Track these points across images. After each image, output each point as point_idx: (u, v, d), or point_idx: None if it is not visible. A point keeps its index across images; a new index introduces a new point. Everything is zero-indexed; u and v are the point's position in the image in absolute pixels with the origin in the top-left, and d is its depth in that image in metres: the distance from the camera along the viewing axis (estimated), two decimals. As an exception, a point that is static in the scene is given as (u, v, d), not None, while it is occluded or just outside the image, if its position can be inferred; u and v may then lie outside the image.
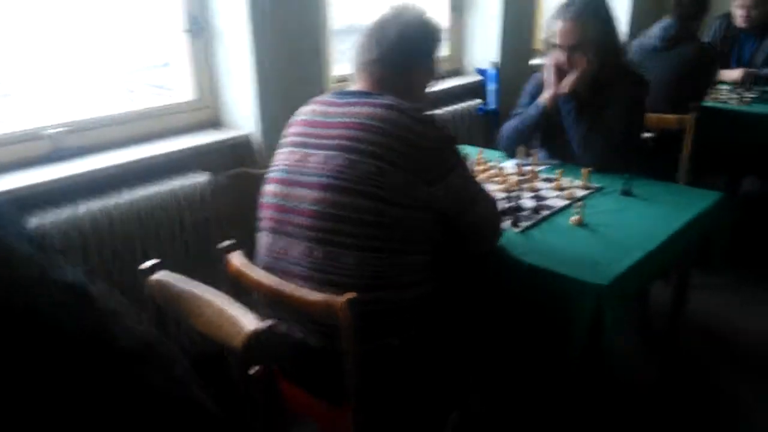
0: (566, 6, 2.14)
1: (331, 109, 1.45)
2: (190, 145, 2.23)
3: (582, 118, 2.17)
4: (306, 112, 1.50)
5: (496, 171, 2.12)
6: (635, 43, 3.10)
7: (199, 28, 2.28)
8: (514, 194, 1.91)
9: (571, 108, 2.17)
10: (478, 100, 3.28)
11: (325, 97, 1.49)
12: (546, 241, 1.66)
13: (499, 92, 3.25)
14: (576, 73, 2.16)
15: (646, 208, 1.86)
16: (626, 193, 1.95)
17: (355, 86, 1.50)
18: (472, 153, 2.27)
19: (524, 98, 2.40)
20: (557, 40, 2.16)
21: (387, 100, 1.41)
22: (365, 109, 1.40)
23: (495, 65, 3.25)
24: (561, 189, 1.97)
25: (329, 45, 2.62)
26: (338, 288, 1.35)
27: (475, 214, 1.47)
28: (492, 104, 3.27)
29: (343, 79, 2.80)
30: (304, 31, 2.41)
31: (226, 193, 2.27)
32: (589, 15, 2.10)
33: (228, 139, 2.32)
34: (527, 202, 1.87)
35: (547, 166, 2.24)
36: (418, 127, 1.37)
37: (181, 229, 2.13)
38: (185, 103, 2.36)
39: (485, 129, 3.23)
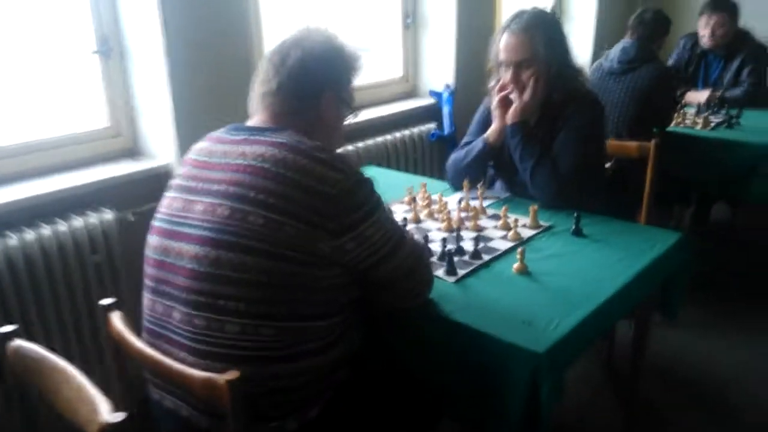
0: (513, 18, 1.97)
1: (219, 148, 1.23)
2: (101, 178, 2.00)
3: (531, 149, 1.98)
4: (196, 150, 1.29)
5: (438, 206, 1.92)
6: (594, 66, 2.94)
7: (109, 49, 2.05)
8: (454, 235, 1.70)
9: (519, 140, 1.99)
10: (432, 125, 3.10)
11: (218, 132, 1.28)
12: (483, 294, 1.46)
13: (453, 116, 3.07)
14: (522, 99, 1.97)
15: (598, 251, 1.66)
16: (577, 233, 1.76)
17: (252, 120, 1.29)
18: (415, 185, 2.08)
19: (474, 126, 2.21)
20: (502, 55, 1.97)
21: (283, 137, 1.20)
22: (256, 149, 1.19)
23: (449, 87, 3.06)
24: (507, 228, 1.77)
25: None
26: (223, 362, 1.13)
27: (396, 266, 1.27)
28: (447, 129, 3.09)
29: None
30: (229, 53, 2.20)
31: (137, 233, 2.03)
32: (538, 28, 1.92)
33: (144, 171, 2.09)
34: (468, 244, 1.67)
35: (496, 200, 2.05)
36: (317, 169, 1.16)
37: (82, 274, 1.89)
38: (98, 130, 2.13)
39: (439, 156, 3.04)
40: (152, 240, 1.23)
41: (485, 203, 2.02)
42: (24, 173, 1.95)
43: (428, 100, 3.17)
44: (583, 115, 1.98)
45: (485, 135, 2.08)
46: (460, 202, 1.89)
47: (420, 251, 1.35)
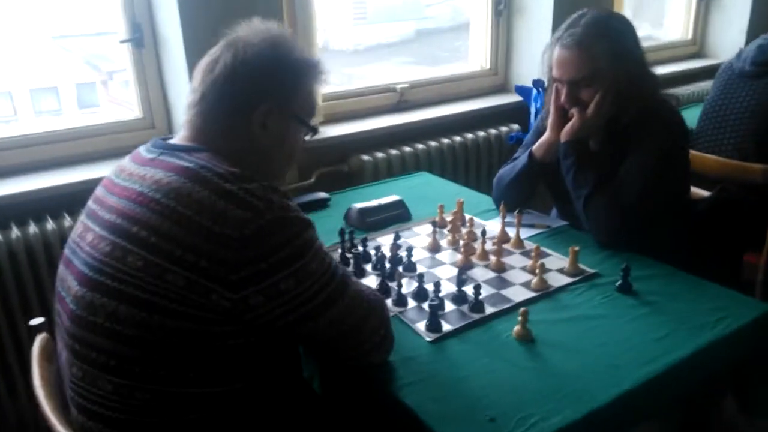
0: (566, 28, 1.58)
1: (129, 167, 1.05)
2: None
3: (586, 174, 1.59)
4: (115, 167, 1.11)
5: (466, 233, 1.60)
6: (722, 66, 2.38)
7: (141, 38, 1.97)
8: (464, 275, 1.39)
9: (572, 163, 1.60)
10: (516, 126, 2.72)
11: (141, 147, 1.10)
12: (458, 365, 1.15)
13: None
14: (584, 116, 1.59)
15: (642, 318, 1.27)
16: (623, 288, 1.37)
17: (177, 136, 1.09)
18: (468, 200, 1.80)
19: (531, 135, 1.85)
20: (555, 72, 1.60)
21: (194, 160, 0.99)
22: (156, 173, 0.99)
23: (538, 83, 2.66)
24: (534, 272, 1.43)
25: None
26: (97, 422, 0.96)
27: (329, 324, 1.01)
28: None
29: (331, 98, 2.40)
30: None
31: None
32: (598, 39, 1.53)
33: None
34: (476, 286, 1.34)
35: (543, 231, 1.69)
36: (219, 205, 0.93)
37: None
38: (130, 121, 2.07)
39: (517, 162, 2.67)
40: (59, 267, 1.09)
41: (528, 233, 1.68)
42: (53, 161, 1.94)
43: (518, 97, 2.79)
44: (659, 136, 1.55)
45: (533, 147, 1.72)
46: (483, 232, 1.56)
47: (369, 305, 1.08)
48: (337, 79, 3.94)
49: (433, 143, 2.48)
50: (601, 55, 1.53)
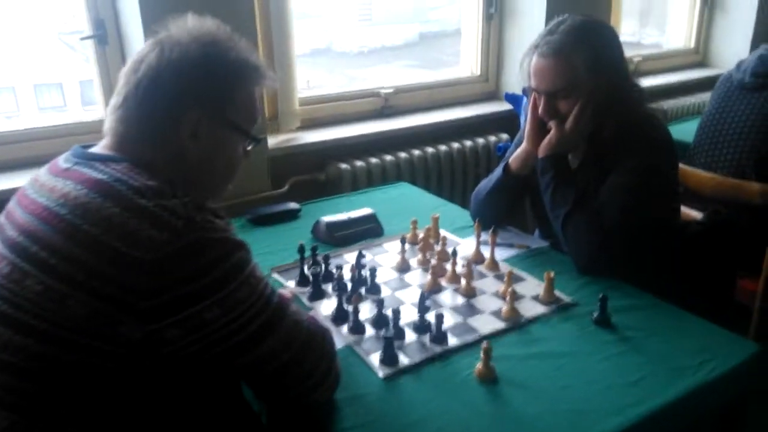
0: (544, 35, 1.47)
1: (41, 179, 0.94)
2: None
3: (565, 192, 1.48)
4: (31, 177, 1.00)
5: (437, 252, 1.49)
6: (722, 77, 2.26)
7: (105, 34, 1.86)
8: (427, 302, 1.27)
9: (550, 179, 1.49)
10: (505, 136, 2.61)
11: (60, 156, 0.99)
12: (401, 409, 1.03)
13: (531, 127, 2.55)
14: (562, 129, 1.48)
15: (618, 357, 1.15)
16: (600, 322, 1.26)
17: (99, 144, 0.98)
18: (446, 214, 1.71)
19: (513, 148, 1.73)
20: (532, 81, 1.49)
21: (109, 171, 0.88)
22: (65, 185, 0.88)
23: (527, 90, 2.55)
24: (507, 298, 1.31)
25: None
26: None
27: (261, 359, 0.90)
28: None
29: (309, 102, 2.29)
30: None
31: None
32: (577, 47, 1.42)
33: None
34: (438, 316, 1.23)
35: (523, 252, 1.58)
36: (131, 223, 0.82)
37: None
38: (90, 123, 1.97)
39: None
40: None
41: (506, 254, 1.56)
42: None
43: (509, 106, 2.67)
44: (641, 154, 1.44)
45: (510, 159, 1.61)
46: (454, 252, 1.45)
47: (309, 337, 0.96)
48: (339, 80, 3.90)
49: (416, 152, 2.37)
50: (580, 65, 1.42)
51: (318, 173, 2.23)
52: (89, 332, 0.81)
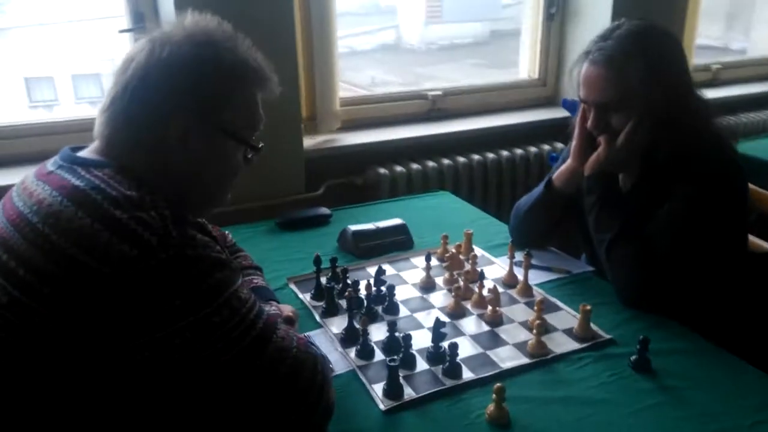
0: (597, 41, 1.33)
1: (26, 181, 0.89)
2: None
3: (612, 215, 1.33)
4: (23, 177, 0.96)
5: (467, 272, 1.38)
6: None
7: (144, 28, 1.84)
8: (443, 328, 1.15)
9: (595, 201, 1.35)
10: (561, 145, 2.44)
11: (51, 159, 0.94)
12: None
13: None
14: (612, 146, 1.33)
15: (653, 410, 1.00)
16: (639, 366, 1.11)
17: (88, 148, 0.92)
18: (481, 228, 1.62)
19: (560, 162, 1.59)
20: (582, 91, 1.35)
21: (88, 178, 0.82)
22: (44, 192, 0.82)
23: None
24: (533, 330, 1.18)
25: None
26: None
27: (242, 388, 0.83)
28: (578, 152, 2.41)
29: (350, 103, 2.21)
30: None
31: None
32: (631, 56, 1.27)
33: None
34: (452, 346, 1.11)
35: (554, 277, 1.44)
36: (102, 236, 0.75)
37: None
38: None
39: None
40: None
41: (543, 278, 1.43)
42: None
43: (566, 113, 2.51)
44: (700, 179, 1.27)
45: (554, 175, 1.48)
46: (482, 275, 1.32)
47: (295, 365, 0.87)
48: (405, 78, 3.81)
49: (461, 159, 2.25)
50: (634, 76, 1.27)
51: (355, 177, 2.14)
52: (56, 348, 0.75)
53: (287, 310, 1.13)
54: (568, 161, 1.45)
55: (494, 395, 0.97)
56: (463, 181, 2.24)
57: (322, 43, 1.99)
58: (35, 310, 0.75)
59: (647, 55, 1.28)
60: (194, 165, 0.90)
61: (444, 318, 1.26)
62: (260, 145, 0.98)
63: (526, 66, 2.64)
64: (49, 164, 0.89)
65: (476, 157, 2.27)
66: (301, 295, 1.36)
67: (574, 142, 1.44)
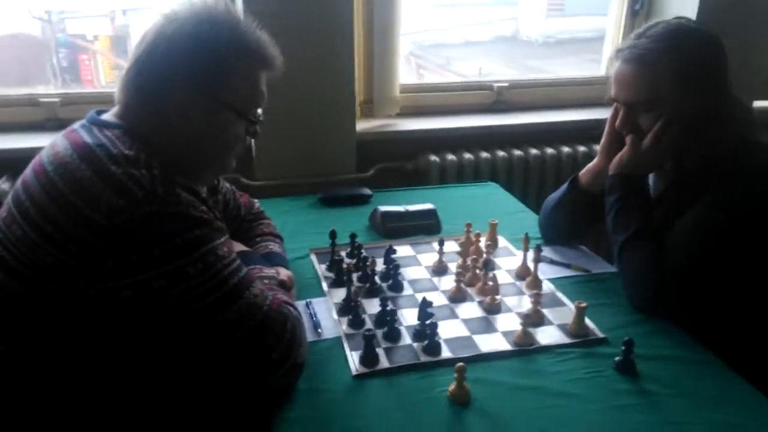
0: (632, 39, 1.29)
1: (56, 138, 1.04)
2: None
3: (629, 216, 1.30)
4: None
5: (472, 260, 1.40)
6: None
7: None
8: (430, 308, 1.17)
9: (616, 200, 1.32)
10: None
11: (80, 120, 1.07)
12: (359, 412, 0.99)
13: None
14: (632, 148, 1.30)
15: (619, 412, 0.99)
16: (623, 368, 1.09)
17: (111, 111, 1.05)
18: (522, 221, 1.66)
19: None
20: (612, 89, 1.32)
21: (97, 136, 0.94)
22: (61, 146, 0.96)
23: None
24: (525, 323, 1.19)
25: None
26: None
27: (214, 333, 0.92)
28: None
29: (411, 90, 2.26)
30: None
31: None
32: (663, 57, 1.22)
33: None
34: (432, 325, 1.15)
35: (572, 274, 1.42)
36: (97, 188, 0.88)
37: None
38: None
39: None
40: None
41: (560, 274, 1.43)
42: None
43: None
44: (729, 187, 1.21)
45: (581, 172, 1.46)
46: (486, 263, 1.34)
47: (265, 323, 0.95)
48: (516, 71, 3.78)
49: (518, 152, 2.23)
50: (665, 77, 1.22)
51: (407, 162, 2.20)
52: (53, 280, 0.88)
53: (284, 274, 1.22)
54: (595, 159, 1.43)
55: (456, 374, 1.01)
56: (517, 175, 2.23)
57: (383, 30, 2.05)
58: (39, 245, 0.89)
59: (681, 57, 1.23)
60: (194, 133, 1.01)
61: (443, 300, 1.30)
62: (259, 119, 1.07)
63: (605, 62, 2.55)
64: (77, 124, 1.03)
65: (534, 151, 2.25)
66: (317, 266, 1.45)
67: (602, 140, 1.42)
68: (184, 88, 0.97)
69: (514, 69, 3.99)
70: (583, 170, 1.46)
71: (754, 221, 1.20)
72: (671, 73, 1.22)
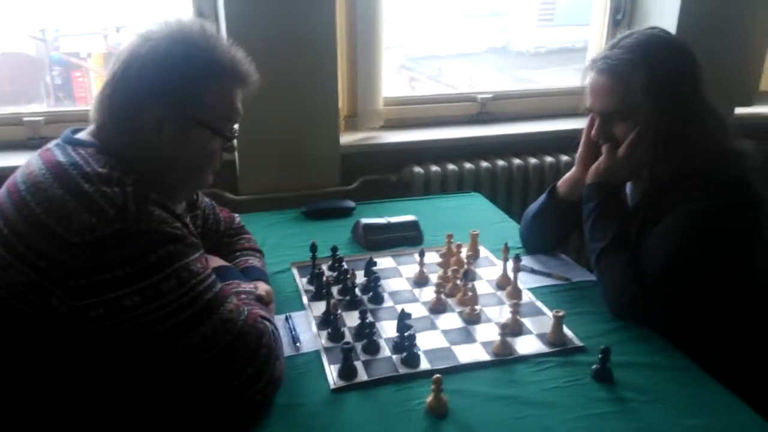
0: (605, 49, 1.31)
1: (31, 158, 1.04)
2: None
3: (605, 225, 1.31)
4: None
5: (452, 271, 1.41)
6: None
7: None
8: (408, 320, 1.17)
9: (593, 209, 1.33)
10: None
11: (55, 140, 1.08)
12: (335, 426, 0.99)
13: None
14: (608, 157, 1.32)
15: (595, 419, 1.00)
16: (600, 375, 1.10)
17: (86, 129, 1.06)
18: (504, 230, 1.67)
19: None
20: (587, 99, 1.34)
21: (69, 156, 0.95)
22: (35, 165, 0.96)
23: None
24: (504, 333, 1.19)
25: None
26: None
27: (185, 351, 0.91)
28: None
29: (395, 102, 2.27)
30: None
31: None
32: (636, 67, 1.24)
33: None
34: (410, 336, 1.14)
35: (553, 283, 1.43)
36: (68, 206, 0.88)
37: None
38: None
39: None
40: None
41: (540, 283, 1.43)
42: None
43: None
44: (703, 195, 1.22)
45: (559, 182, 1.47)
46: (466, 274, 1.35)
47: (240, 338, 0.95)
48: (505, 81, 3.83)
49: (501, 162, 2.25)
50: (637, 86, 1.24)
51: (391, 174, 2.21)
52: (25, 299, 0.88)
53: (262, 289, 1.22)
54: (573, 169, 1.45)
55: (433, 385, 1.01)
56: (501, 186, 2.24)
57: (366, 42, 2.07)
58: (10, 263, 0.89)
59: (653, 67, 1.25)
60: (169, 151, 1.01)
61: (424, 311, 1.30)
62: (233, 136, 1.08)
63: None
64: (52, 143, 1.04)
65: (517, 161, 2.26)
66: (298, 279, 1.45)
67: (579, 150, 1.43)
68: (159, 106, 0.98)
69: (504, 79, 4.02)
70: (561, 180, 1.47)
71: (725, 230, 1.21)
72: (643, 84, 1.24)
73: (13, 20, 2.70)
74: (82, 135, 1.03)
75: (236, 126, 1.10)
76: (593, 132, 1.35)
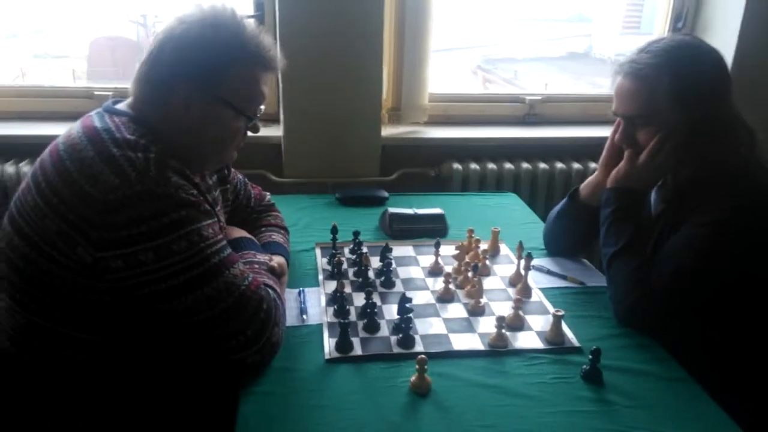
0: (634, 52, 1.30)
1: (74, 124, 1.16)
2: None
3: (619, 231, 1.30)
4: None
5: (463, 264, 1.44)
6: None
7: (263, 15, 2.11)
8: (408, 304, 1.22)
9: (610, 213, 1.33)
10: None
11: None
12: (322, 391, 1.05)
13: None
14: (629, 162, 1.31)
15: (573, 416, 1.01)
16: (589, 377, 1.11)
17: (126, 101, 1.16)
18: (525, 230, 1.70)
19: None
20: (613, 103, 1.34)
21: (104, 123, 1.06)
22: (75, 129, 1.08)
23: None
24: (500, 325, 1.22)
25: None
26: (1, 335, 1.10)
27: (191, 308, 1.00)
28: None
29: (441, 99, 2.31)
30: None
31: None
32: (661, 72, 1.23)
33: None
34: (406, 319, 1.19)
35: (566, 285, 1.44)
36: (97, 166, 0.98)
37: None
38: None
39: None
40: None
41: (554, 284, 1.45)
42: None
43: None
44: (721, 206, 1.20)
45: (581, 185, 1.47)
46: (475, 267, 1.37)
47: (240, 302, 1.03)
48: (581, 86, 3.81)
49: (543, 165, 2.24)
50: (662, 92, 1.23)
51: (430, 169, 2.25)
52: (56, 246, 0.99)
53: (276, 261, 1.30)
54: (596, 173, 1.45)
55: (417, 365, 1.05)
56: (541, 188, 2.24)
57: (414, 39, 2.11)
58: (47, 214, 1.00)
59: (679, 73, 1.24)
60: (194, 126, 1.10)
61: (431, 299, 1.35)
62: (256, 117, 1.16)
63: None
64: (93, 111, 1.15)
65: (560, 165, 2.25)
66: (319, 259, 1.52)
67: (603, 154, 1.43)
68: (188, 84, 1.07)
69: (581, 85, 3.95)
70: (584, 183, 1.48)
71: (742, 242, 1.19)
72: (667, 89, 1.23)
73: (116, 6, 2.91)
74: (121, 105, 1.14)
75: (262, 107, 1.19)
76: (617, 136, 1.35)
